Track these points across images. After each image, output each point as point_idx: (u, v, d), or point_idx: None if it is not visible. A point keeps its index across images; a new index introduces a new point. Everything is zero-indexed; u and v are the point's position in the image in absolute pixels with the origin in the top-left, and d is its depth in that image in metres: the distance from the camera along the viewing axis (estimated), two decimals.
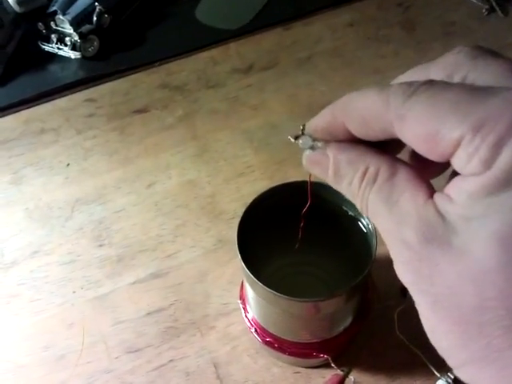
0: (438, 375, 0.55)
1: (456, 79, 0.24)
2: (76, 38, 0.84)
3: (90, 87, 0.84)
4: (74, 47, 0.86)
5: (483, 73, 0.23)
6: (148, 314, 0.62)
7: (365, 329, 0.57)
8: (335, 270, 0.57)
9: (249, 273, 0.45)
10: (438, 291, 0.21)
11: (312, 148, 0.27)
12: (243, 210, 0.68)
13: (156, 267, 0.65)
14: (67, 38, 0.85)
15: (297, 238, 0.49)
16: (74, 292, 0.64)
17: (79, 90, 0.84)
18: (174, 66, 0.87)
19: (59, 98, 0.83)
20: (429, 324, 0.23)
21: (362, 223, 0.51)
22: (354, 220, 0.51)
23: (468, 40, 0.88)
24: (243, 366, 0.58)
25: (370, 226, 0.49)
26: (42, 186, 0.73)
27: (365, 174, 0.25)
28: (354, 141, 0.26)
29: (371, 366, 0.58)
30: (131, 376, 0.58)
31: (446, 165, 0.25)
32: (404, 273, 0.23)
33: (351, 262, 0.55)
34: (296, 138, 0.28)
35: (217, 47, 0.89)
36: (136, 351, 0.59)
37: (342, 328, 0.53)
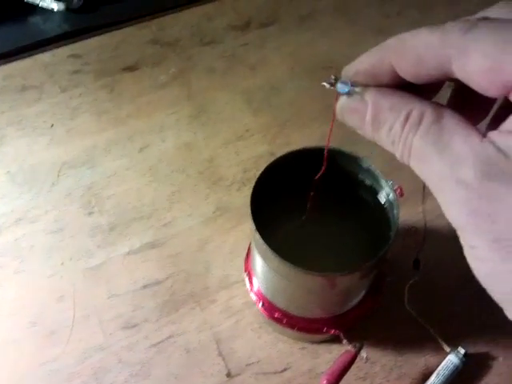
0: (448, 350, 0.53)
1: None
2: None
3: (75, 42, 0.78)
4: None
5: None
6: (144, 286, 0.58)
7: (376, 301, 0.54)
8: (347, 240, 0.53)
9: (266, 245, 0.41)
10: (501, 228, 0.21)
11: (348, 94, 0.26)
12: (243, 175, 0.65)
13: (151, 236, 0.61)
14: None
15: (306, 207, 0.46)
16: (62, 263, 0.59)
17: (63, 45, 0.78)
18: (166, 20, 0.81)
19: (42, 52, 0.77)
20: (487, 266, 0.22)
21: (380, 194, 0.47)
22: (371, 190, 0.48)
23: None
24: (246, 342, 0.55)
25: (390, 197, 0.46)
26: (26, 147, 0.68)
27: (408, 118, 0.24)
28: (395, 87, 0.25)
29: (379, 340, 0.55)
30: (128, 353, 0.54)
31: (488, 111, 0.27)
32: (459, 214, 0.22)
33: (365, 234, 0.52)
34: (331, 83, 0.27)
35: (211, 2, 0.84)
36: (132, 327, 0.56)
37: (354, 303, 0.50)
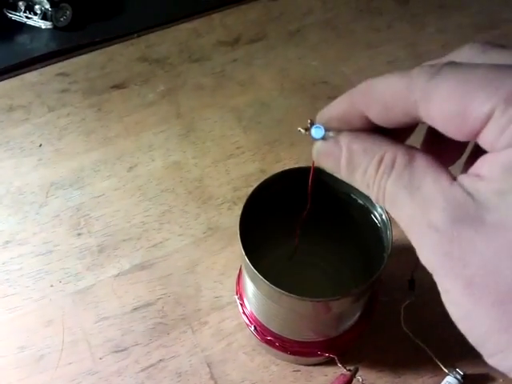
0: (446, 371, 0.52)
1: None
2: (47, 6, 0.77)
3: (63, 60, 0.78)
4: (44, 16, 0.79)
5: (498, 61, 0.22)
6: (134, 309, 0.57)
7: (370, 323, 0.53)
8: (340, 261, 0.53)
9: (254, 271, 0.41)
10: (473, 272, 0.20)
11: (323, 139, 0.26)
12: (233, 194, 0.64)
13: (141, 258, 0.60)
14: (37, 6, 0.78)
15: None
16: (51, 286, 0.58)
17: (51, 64, 0.77)
18: (154, 37, 0.81)
19: (29, 71, 0.76)
20: (461, 310, 0.21)
21: (374, 214, 0.46)
22: (364, 210, 0.47)
23: (463, 14, 0.84)
24: (239, 365, 0.54)
25: (383, 217, 0.45)
26: (13, 168, 0.67)
27: (381, 161, 0.24)
28: (368, 130, 0.25)
29: (375, 361, 0.54)
30: (118, 378, 0.53)
31: (462, 151, 0.27)
32: (431, 258, 0.22)
33: (358, 254, 0.51)
34: (306, 128, 0.27)
35: (199, 18, 0.83)
36: (122, 350, 0.55)
37: (348, 325, 0.50)
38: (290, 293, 0.40)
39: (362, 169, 0.25)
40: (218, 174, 0.66)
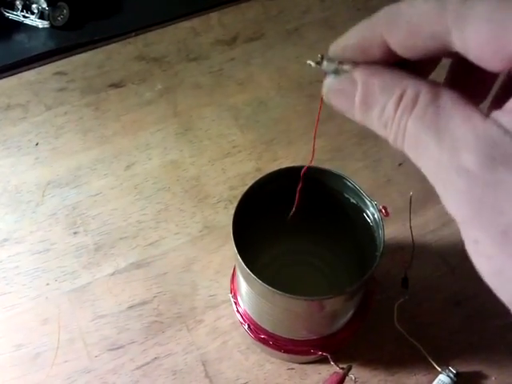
0: (439, 369, 0.53)
1: None
2: (44, 5, 0.78)
3: (61, 59, 0.78)
4: (41, 15, 0.79)
5: None
6: (130, 307, 0.57)
7: (363, 322, 0.53)
8: (335, 260, 0.53)
9: (247, 270, 0.41)
10: (509, 220, 0.18)
11: (336, 72, 0.23)
12: (230, 193, 0.64)
13: (137, 256, 0.60)
14: (34, 6, 0.78)
15: (292, 222, 0.46)
16: (47, 284, 0.59)
17: (48, 62, 0.77)
18: (152, 36, 0.81)
19: (26, 70, 0.77)
20: (494, 263, 0.19)
21: (366, 213, 0.46)
22: (357, 208, 0.47)
23: None
24: (234, 363, 0.54)
25: (375, 216, 0.45)
26: (10, 167, 0.67)
27: (401, 98, 0.21)
28: (387, 63, 0.23)
29: (369, 359, 0.54)
30: (113, 376, 0.53)
31: (489, 89, 0.24)
32: (460, 206, 0.20)
33: (351, 253, 0.52)
34: (317, 62, 0.24)
35: (197, 17, 0.83)
36: (118, 348, 0.55)
37: (341, 324, 0.50)
38: (284, 291, 0.40)
39: (380, 107, 0.22)
40: (215, 172, 0.67)
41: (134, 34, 0.80)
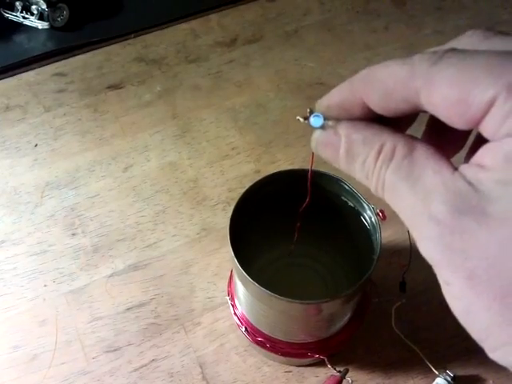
0: (437, 373, 0.53)
1: None
2: (44, 6, 0.77)
3: (60, 60, 0.78)
4: (41, 16, 0.79)
5: (500, 48, 0.22)
6: (127, 309, 0.57)
7: (361, 325, 0.53)
8: (332, 263, 0.53)
9: (244, 273, 0.41)
10: (475, 264, 0.20)
11: (322, 128, 0.26)
12: (228, 195, 0.64)
13: (135, 258, 0.60)
14: (34, 7, 0.78)
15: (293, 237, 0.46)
16: (45, 286, 0.59)
17: (48, 64, 0.77)
18: (151, 37, 0.81)
19: (26, 71, 0.77)
20: (462, 304, 0.21)
21: (363, 216, 0.46)
22: (354, 212, 0.47)
23: (460, 15, 0.84)
24: (231, 366, 0.54)
25: (372, 220, 0.45)
26: (8, 168, 0.67)
27: (380, 152, 0.23)
28: (367, 119, 0.25)
29: (366, 362, 0.55)
30: (110, 378, 0.53)
31: (463, 142, 0.26)
32: (432, 250, 0.21)
33: (349, 256, 0.52)
34: (305, 117, 0.26)
35: (197, 19, 0.83)
36: (115, 350, 0.55)
37: (339, 327, 0.50)
38: (281, 295, 0.40)
39: (361, 159, 0.24)
40: (213, 174, 0.67)
41: (133, 35, 0.80)
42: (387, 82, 0.23)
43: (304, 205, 0.41)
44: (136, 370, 0.54)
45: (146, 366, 0.54)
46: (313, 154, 0.28)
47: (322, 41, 0.80)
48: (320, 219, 0.50)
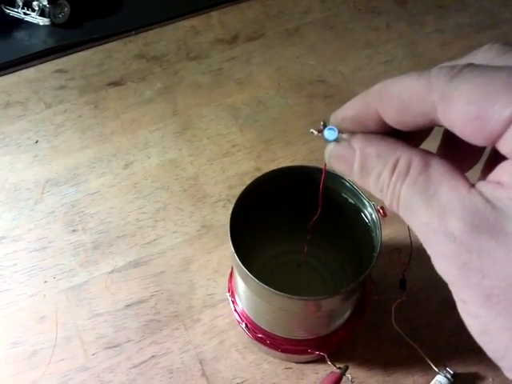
0: (437, 370, 0.53)
1: None
2: (45, 2, 0.77)
3: (61, 57, 0.78)
4: (42, 13, 0.79)
5: None
6: (127, 306, 0.57)
7: (361, 322, 0.53)
8: (332, 260, 0.53)
9: (245, 269, 0.41)
10: (493, 284, 0.20)
11: (336, 141, 0.25)
12: (228, 192, 0.64)
13: (135, 255, 0.60)
14: (35, 3, 0.78)
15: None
16: (45, 282, 0.59)
17: (48, 60, 0.77)
18: (152, 34, 0.81)
19: (26, 68, 0.77)
20: (479, 323, 0.21)
21: (364, 213, 0.46)
22: (355, 208, 0.47)
23: (462, 14, 0.84)
24: (231, 362, 0.54)
25: (373, 217, 0.45)
26: (9, 165, 0.67)
27: (395, 166, 0.23)
28: (382, 133, 0.25)
29: (366, 360, 0.54)
30: (110, 374, 0.53)
31: (479, 157, 0.26)
32: (448, 268, 0.21)
33: (349, 253, 0.52)
34: (319, 130, 0.26)
35: (198, 16, 0.83)
36: (115, 347, 0.55)
37: (339, 324, 0.50)
38: (281, 291, 0.40)
39: (376, 173, 0.24)
40: (214, 172, 0.67)
41: (134, 32, 0.80)
42: (403, 95, 0.22)
43: (315, 218, 0.41)
44: (136, 366, 0.54)
45: (145, 362, 0.54)
46: (325, 165, 0.28)
47: (323, 39, 0.80)
48: (320, 216, 0.50)
